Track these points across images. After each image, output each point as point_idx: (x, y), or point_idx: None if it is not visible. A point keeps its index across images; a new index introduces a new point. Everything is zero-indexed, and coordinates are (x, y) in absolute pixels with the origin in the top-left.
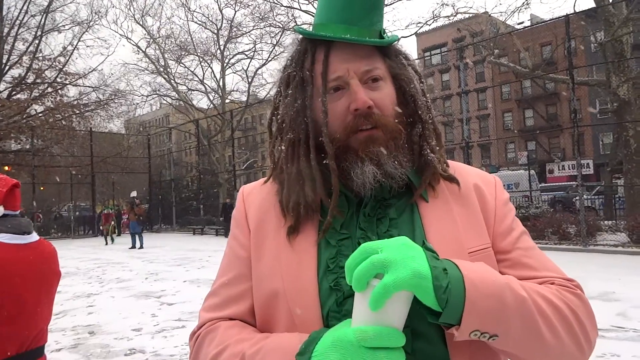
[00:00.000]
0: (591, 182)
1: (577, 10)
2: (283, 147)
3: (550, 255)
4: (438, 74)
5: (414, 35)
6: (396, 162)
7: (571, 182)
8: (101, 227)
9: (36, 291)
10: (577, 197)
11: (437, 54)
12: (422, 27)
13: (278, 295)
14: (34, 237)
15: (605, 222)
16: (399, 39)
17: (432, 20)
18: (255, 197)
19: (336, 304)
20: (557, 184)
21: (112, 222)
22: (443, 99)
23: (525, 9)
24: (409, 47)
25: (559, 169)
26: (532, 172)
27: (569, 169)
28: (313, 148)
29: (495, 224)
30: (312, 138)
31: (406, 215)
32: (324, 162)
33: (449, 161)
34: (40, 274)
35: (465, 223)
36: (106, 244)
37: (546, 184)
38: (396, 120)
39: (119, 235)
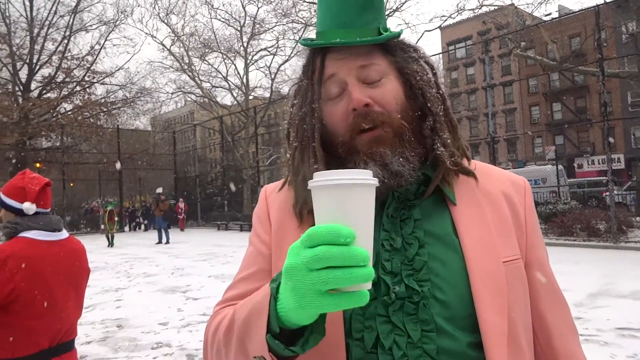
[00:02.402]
0: (622, 178)
1: (607, 0)
2: (289, 155)
3: (579, 253)
4: (463, 68)
5: (438, 29)
6: (401, 159)
7: (601, 177)
8: (102, 226)
9: (66, 286)
10: (607, 193)
11: (461, 47)
12: (446, 20)
13: None
14: (64, 234)
15: (637, 218)
16: (398, 35)
17: (457, 13)
18: (277, 196)
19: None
20: (586, 179)
21: (116, 219)
22: (468, 93)
23: None
24: (433, 41)
25: (588, 164)
26: (560, 167)
27: (599, 164)
28: (317, 153)
29: (527, 235)
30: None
31: (436, 217)
32: (329, 167)
33: (477, 162)
34: (70, 270)
35: (498, 229)
36: (109, 245)
37: (575, 179)
38: (399, 116)
39: (147, 230)
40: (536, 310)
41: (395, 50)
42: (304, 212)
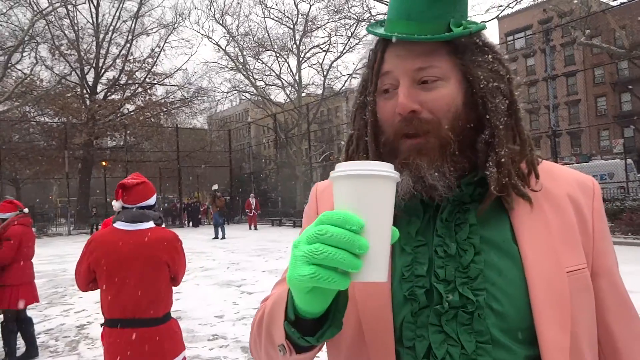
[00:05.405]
0: None
1: None
2: (344, 143)
3: None
4: (522, 59)
5: (495, 20)
6: (437, 174)
7: None
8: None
9: (127, 269)
10: None
11: (520, 37)
12: (504, 10)
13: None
14: (145, 225)
15: None
16: (468, 33)
17: (515, 2)
18: (329, 194)
19: (411, 314)
20: None
21: None
22: (528, 85)
23: None
24: (490, 32)
25: None
26: (630, 160)
27: None
28: (369, 147)
29: (595, 242)
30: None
31: (494, 222)
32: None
33: (544, 161)
34: (135, 256)
35: (562, 237)
36: None
37: None
38: (446, 126)
39: (195, 225)
40: (602, 321)
41: (464, 50)
42: None
